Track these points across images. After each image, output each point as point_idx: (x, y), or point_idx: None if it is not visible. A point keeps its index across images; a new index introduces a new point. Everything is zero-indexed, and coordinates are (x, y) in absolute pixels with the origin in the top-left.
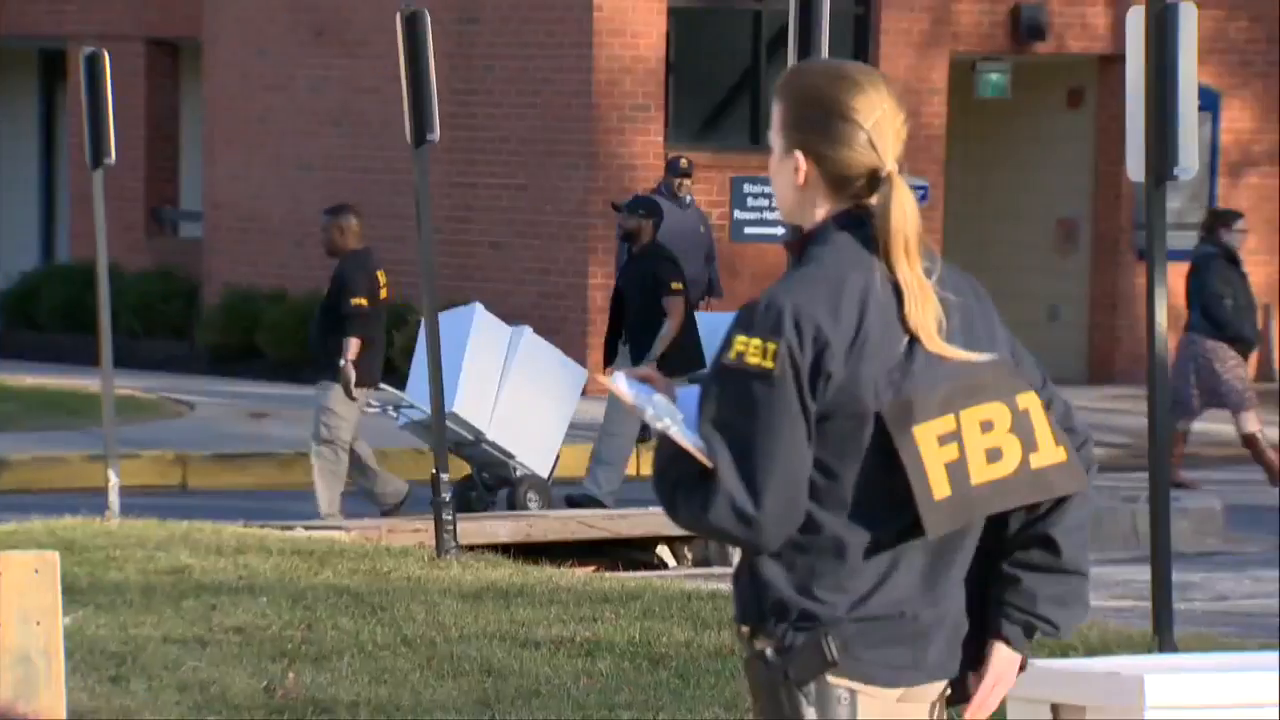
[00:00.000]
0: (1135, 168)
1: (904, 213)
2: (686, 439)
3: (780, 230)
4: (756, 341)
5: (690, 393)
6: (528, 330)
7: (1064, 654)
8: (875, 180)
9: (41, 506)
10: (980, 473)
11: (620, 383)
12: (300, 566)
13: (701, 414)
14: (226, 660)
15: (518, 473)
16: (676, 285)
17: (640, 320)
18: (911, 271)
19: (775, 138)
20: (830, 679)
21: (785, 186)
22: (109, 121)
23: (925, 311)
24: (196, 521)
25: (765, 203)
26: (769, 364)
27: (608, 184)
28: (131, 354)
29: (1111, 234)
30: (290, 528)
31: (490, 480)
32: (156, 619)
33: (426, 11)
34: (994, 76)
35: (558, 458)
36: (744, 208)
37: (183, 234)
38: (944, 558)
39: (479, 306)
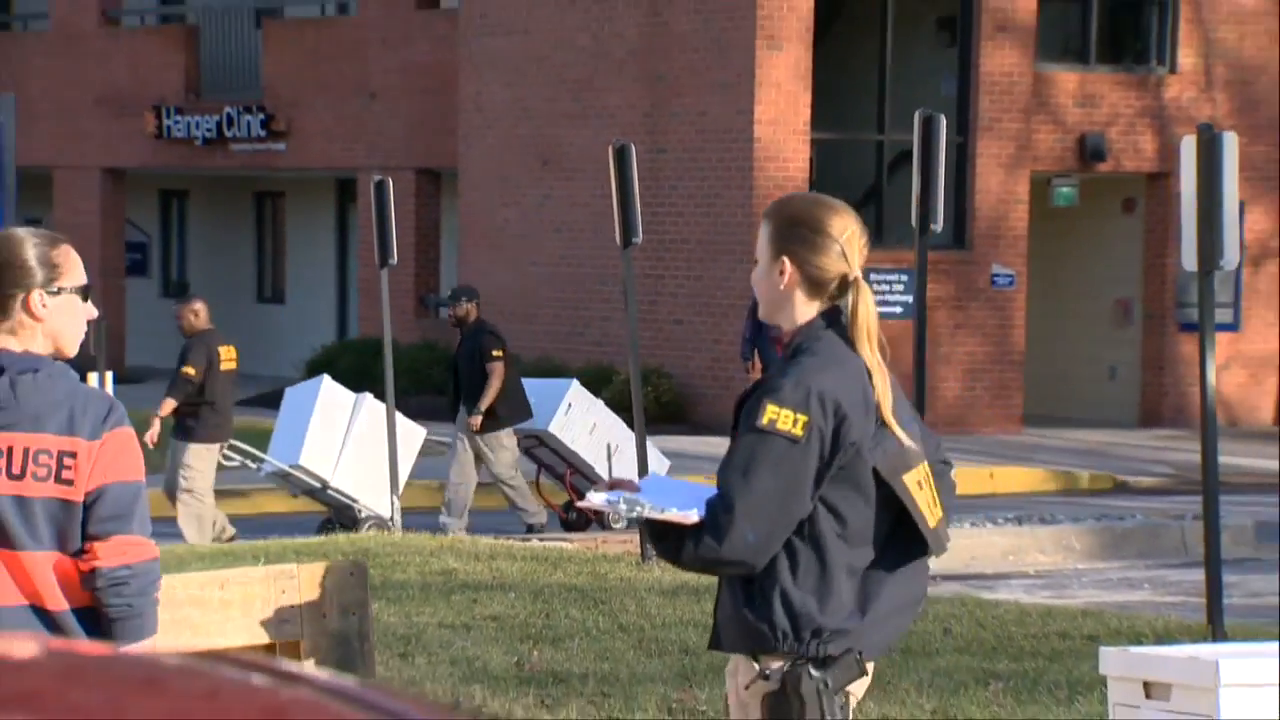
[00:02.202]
0: (1189, 260)
1: (868, 309)
2: (663, 513)
3: (900, 309)
4: (787, 412)
5: (652, 479)
6: (369, 397)
7: (1137, 641)
8: (844, 284)
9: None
10: (933, 516)
11: (594, 500)
12: (538, 569)
13: (729, 462)
14: (486, 641)
15: (362, 514)
16: (496, 353)
17: (470, 384)
18: (874, 355)
19: (763, 251)
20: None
21: (771, 288)
22: (393, 232)
23: (886, 389)
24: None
25: (887, 287)
26: (799, 432)
27: None
28: (404, 408)
29: (1159, 311)
30: (527, 539)
31: (343, 519)
32: (432, 609)
33: (632, 145)
34: (1065, 189)
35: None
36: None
37: (442, 316)
38: (919, 574)
39: (326, 378)
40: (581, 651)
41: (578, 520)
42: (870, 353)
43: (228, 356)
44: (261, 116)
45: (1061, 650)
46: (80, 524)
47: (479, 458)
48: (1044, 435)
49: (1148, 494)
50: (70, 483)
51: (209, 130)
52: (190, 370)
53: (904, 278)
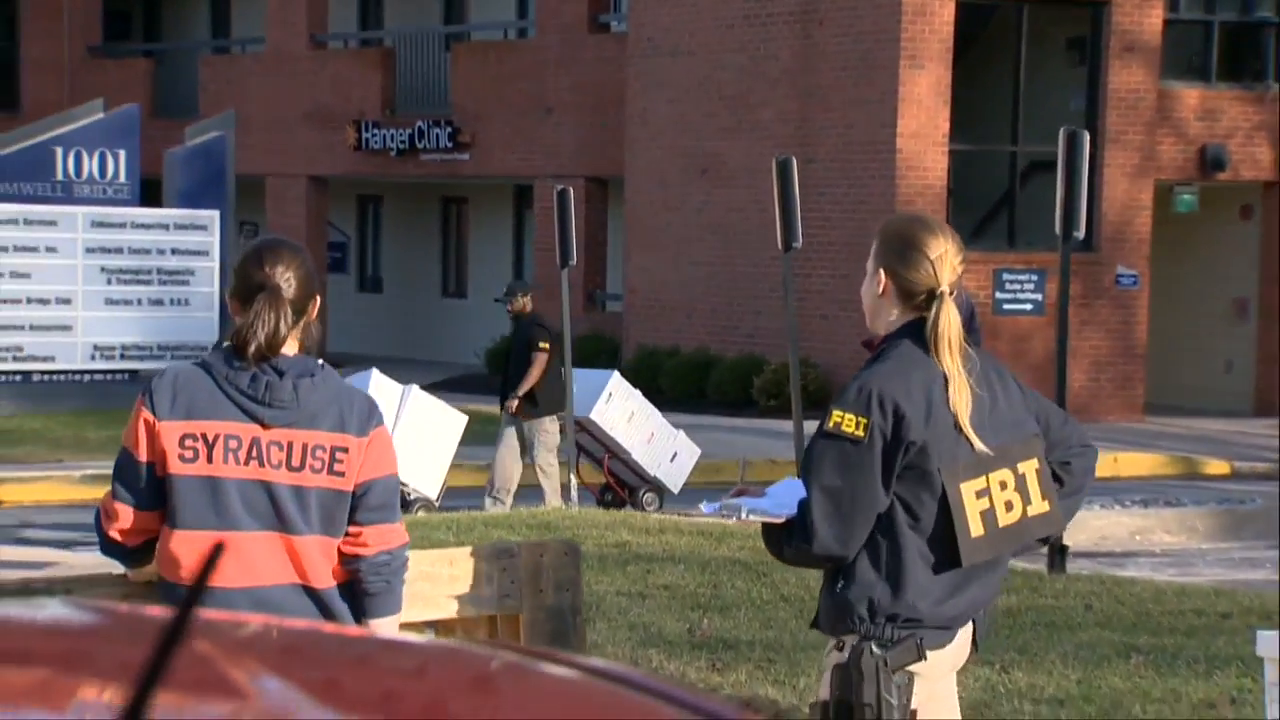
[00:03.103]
0: None
1: (948, 321)
2: (765, 515)
3: (1030, 307)
4: (851, 416)
5: (785, 484)
6: (415, 388)
7: (1268, 618)
8: (932, 297)
9: (520, 498)
10: (1003, 518)
11: (706, 511)
12: (704, 543)
13: (805, 465)
14: (660, 609)
15: (411, 496)
16: (543, 345)
17: (517, 371)
18: (954, 364)
19: (870, 263)
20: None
21: (870, 296)
22: (573, 234)
23: (961, 397)
24: (628, 510)
25: (1019, 286)
26: (860, 434)
27: None
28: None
29: (1273, 309)
30: (688, 514)
31: None
32: (610, 579)
33: (793, 159)
34: (1186, 197)
35: (444, 482)
36: (1003, 290)
37: (609, 309)
38: (994, 569)
39: (375, 371)
40: (748, 620)
41: (613, 501)
42: (950, 361)
43: None
44: (449, 130)
45: (1198, 626)
46: (347, 511)
47: (524, 445)
48: (1164, 423)
49: (1264, 478)
50: (342, 475)
51: (402, 142)
52: None
53: (1034, 277)
